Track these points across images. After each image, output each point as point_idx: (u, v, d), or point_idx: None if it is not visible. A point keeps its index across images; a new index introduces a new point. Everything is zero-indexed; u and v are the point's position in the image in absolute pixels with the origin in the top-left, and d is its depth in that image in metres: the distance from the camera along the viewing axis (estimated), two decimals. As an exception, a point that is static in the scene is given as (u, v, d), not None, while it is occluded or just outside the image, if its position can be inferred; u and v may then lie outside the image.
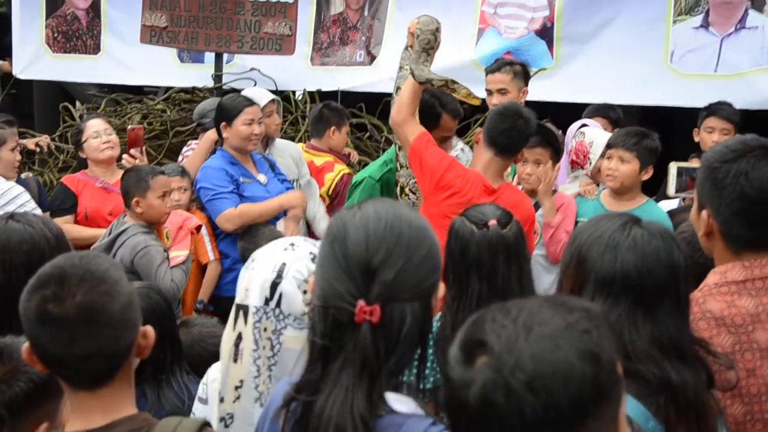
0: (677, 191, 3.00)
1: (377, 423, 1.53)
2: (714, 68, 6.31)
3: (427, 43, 3.82)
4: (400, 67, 4.05)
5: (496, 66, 4.83)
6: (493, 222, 2.67)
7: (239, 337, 1.97)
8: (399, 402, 1.56)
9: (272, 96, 5.27)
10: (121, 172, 4.76)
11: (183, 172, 4.96)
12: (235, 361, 1.97)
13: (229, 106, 4.86)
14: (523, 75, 4.86)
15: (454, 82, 3.73)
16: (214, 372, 2.25)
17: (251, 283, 1.99)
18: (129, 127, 4.92)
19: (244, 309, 1.98)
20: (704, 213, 2.10)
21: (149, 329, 1.74)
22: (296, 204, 4.83)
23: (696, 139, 5.16)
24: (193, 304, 4.75)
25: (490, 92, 4.69)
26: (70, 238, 4.68)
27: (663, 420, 1.74)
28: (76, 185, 4.96)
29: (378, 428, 1.53)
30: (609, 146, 4.29)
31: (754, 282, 2.06)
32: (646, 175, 4.16)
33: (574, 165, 4.83)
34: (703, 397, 1.82)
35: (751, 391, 2.01)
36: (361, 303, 1.53)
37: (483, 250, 2.64)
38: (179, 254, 4.28)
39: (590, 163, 4.72)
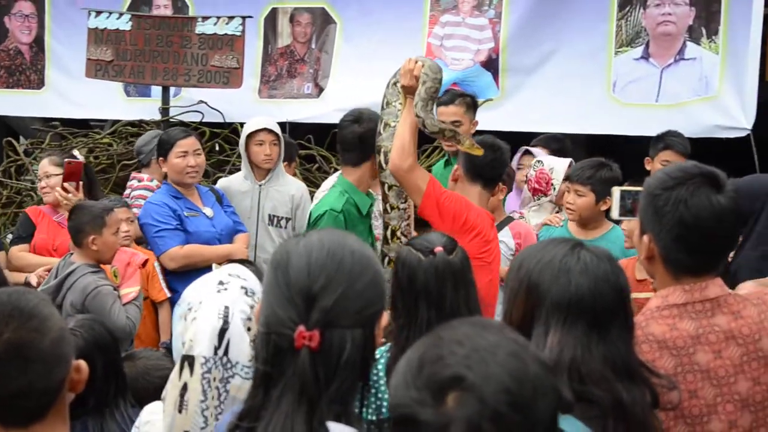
0: (621, 215, 3.07)
1: None
2: (655, 98, 6.47)
3: (435, 91, 3.72)
4: (388, 103, 3.92)
5: (449, 98, 4.90)
6: (439, 249, 2.69)
7: (185, 388, 1.96)
8: (343, 428, 1.56)
9: (264, 123, 5.13)
10: None
11: (126, 204, 4.92)
12: (180, 411, 1.95)
13: (164, 139, 4.85)
14: (473, 106, 4.96)
15: (458, 133, 3.69)
16: (146, 415, 2.22)
17: (197, 333, 1.98)
18: (66, 159, 4.84)
19: (189, 360, 1.96)
20: (645, 238, 2.15)
21: (82, 363, 1.71)
22: (243, 255, 4.75)
23: (648, 167, 5.28)
24: (148, 341, 4.69)
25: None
26: (22, 264, 4.69)
27: None
28: (37, 216, 4.94)
29: None
30: (567, 179, 4.38)
31: (694, 305, 2.10)
32: (605, 206, 4.24)
33: (537, 192, 4.91)
34: (648, 416, 1.85)
35: (693, 412, 2.05)
36: (300, 328, 1.55)
37: (430, 277, 2.65)
38: (130, 291, 4.23)
39: (554, 189, 4.81)
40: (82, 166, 4.86)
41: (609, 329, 1.86)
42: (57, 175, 4.89)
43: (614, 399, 1.78)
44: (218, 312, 1.98)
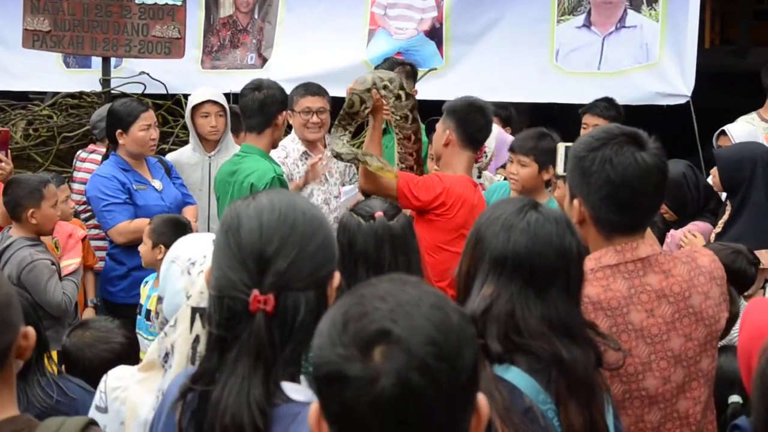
0: (565, 169, 3.14)
1: (273, 412, 1.54)
2: (597, 66, 6.53)
3: (350, 106, 3.73)
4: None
5: (388, 66, 4.93)
6: (379, 213, 2.71)
7: (196, 340, 1.94)
8: (296, 391, 1.57)
9: (209, 95, 5.13)
10: None
11: (60, 180, 4.85)
12: (193, 363, 1.93)
13: (123, 112, 4.77)
14: (413, 75, 4.99)
15: (365, 154, 3.67)
16: (113, 380, 2.21)
17: (205, 285, 1.97)
18: None
19: (201, 311, 1.93)
20: (576, 201, 2.19)
21: (30, 330, 1.70)
22: (193, 228, 4.73)
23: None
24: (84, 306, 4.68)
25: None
26: None
27: (553, 394, 1.80)
28: None
29: (274, 417, 1.54)
30: (511, 150, 4.41)
31: (626, 265, 2.15)
32: (547, 175, 4.29)
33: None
34: (591, 375, 1.89)
35: (628, 371, 2.10)
36: (255, 292, 1.55)
37: (369, 240, 2.67)
38: (71, 262, 4.19)
39: (485, 156, 4.85)
40: (9, 135, 4.76)
41: (548, 289, 1.89)
42: None
43: (554, 354, 1.82)
44: None
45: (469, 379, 1.20)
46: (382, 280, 1.27)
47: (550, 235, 1.90)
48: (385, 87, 3.72)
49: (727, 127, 5.48)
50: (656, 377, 2.12)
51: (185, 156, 5.20)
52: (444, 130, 3.91)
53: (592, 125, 5.27)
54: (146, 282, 4.22)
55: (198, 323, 1.95)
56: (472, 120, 3.92)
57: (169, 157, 5.29)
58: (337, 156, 3.76)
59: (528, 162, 4.27)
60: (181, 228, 4.06)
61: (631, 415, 2.11)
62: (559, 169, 3.31)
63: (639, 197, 2.13)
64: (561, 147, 3.27)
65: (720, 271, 2.24)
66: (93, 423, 1.75)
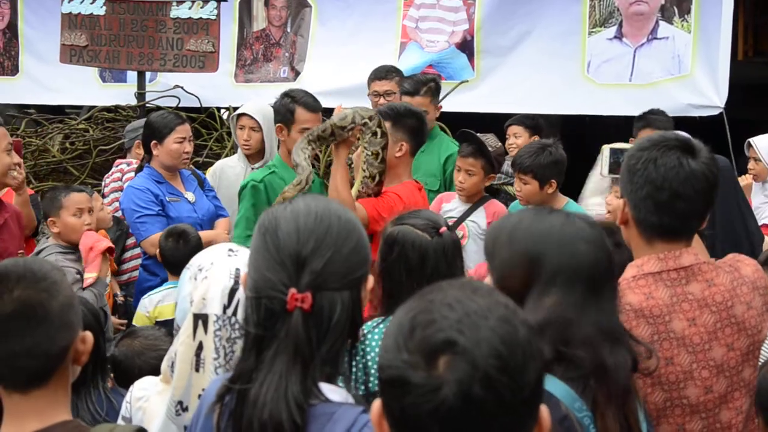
0: (610, 171, 3.14)
1: (311, 410, 1.57)
2: (629, 78, 6.51)
3: (323, 131, 3.86)
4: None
5: (414, 88, 5.02)
6: (444, 228, 2.73)
7: (200, 347, 1.99)
8: (332, 392, 1.61)
9: (244, 109, 5.16)
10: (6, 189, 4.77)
11: (91, 192, 4.93)
12: (198, 370, 1.99)
13: (160, 123, 4.82)
14: (437, 91, 5.08)
15: (309, 177, 3.76)
16: (138, 391, 2.25)
17: (209, 291, 2.02)
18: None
19: (203, 318, 2.00)
20: (622, 202, 2.21)
21: (88, 335, 1.74)
22: (225, 240, 4.77)
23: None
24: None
25: (377, 94, 5.15)
26: None
27: (590, 401, 1.80)
28: None
29: (311, 416, 1.57)
30: (512, 167, 4.45)
31: (669, 273, 2.15)
32: (550, 189, 4.28)
33: None
34: (630, 381, 1.90)
35: (669, 379, 2.10)
36: (293, 290, 1.60)
37: (440, 256, 2.67)
38: (88, 276, 4.23)
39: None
40: (21, 145, 4.82)
41: (602, 294, 1.90)
42: None
43: (597, 361, 1.82)
44: (229, 272, 2.03)
45: (531, 393, 1.20)
46: (452, 285, 1.27)
47: (601, 239, 1.92)
48: (364, 124, 3.83)
49: (752, 139, 5.49)
50: (698, 386, 2.12)
51: (229, 165, 5.26)
52: (396, 142, 3.98)
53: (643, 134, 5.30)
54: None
55: (201, 330, 2.01)
56: (421, 130, 4.10)
57: (215, 166, 5.35)
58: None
59: (527, 179, 4.28)
60: (179, 237, 4.22)
61: (673, 423, 2.11)
62: (604, 170, 3.32)
63: (678, 201, 2.12)
64: (606, 149, 3.28)
65: (763, 281, 2.23)
66: (142, 430, 1.78)
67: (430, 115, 4.91)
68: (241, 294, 1.99)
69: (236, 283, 2.02)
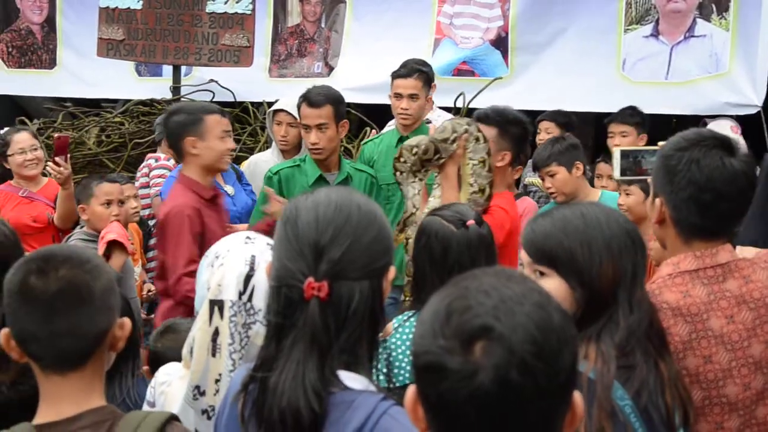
0: (622, 174, 3.11)
1: (330, 399, 1.59)
2: (665, 76, 6.47)
3: (425, 152, 3.55)
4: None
5: (408, 71, 4.92)
6: (471, 222, 2.73)
7: (216, 332, 2.02)
8: (352, 380, 1.61)
9: (283, 105, 5.09)
10: (46, 180, 4.95)
11: (131, 180, 4.99)
12: (214, 355, 2.02)
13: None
14: (429, 82, 4.98)
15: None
16: (161, 376, 2.27)
17: (224, 278, 2.04)
18: (55, 135, 4.88)
19: (219, 304, 2.03)
20: (657, 201, 2.18)
21: (126, 321, 1.76)
22: None
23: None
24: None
25: (399, 96, 4.84)
26: None
27: (633, 391, 1.80)
28: None
29: (331, 403, 1.58)
30: (535, 169, 4.42)
31: (705, 271, 2.13)
32: (578, 171, 4.28)
33: None
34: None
35: (708, 377, 2.08)
36: (310, 279, 1.60)
37: (464, 249, 2.68)
38: None
39: None
40: (68, 141, 4.90)
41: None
42: (35, 148, 5.01)
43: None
44: (245, 259, 2.05)
45: (566, 379, 1.21)
46: (487, 272, 1.28)
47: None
48: (465, 131, 3.56)
49: None
50: (737, 384, 2.10)
51: (262, 159, 5.26)
52: (499, 151, 3.71)
53: (618, 133, 5.31)
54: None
55: (217, 315, 2.03)
56: (525, 140, 3.88)
57: (249, 160, 5.36)
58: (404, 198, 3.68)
59: (554, 169, 4.26)
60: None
61: (711, 422, 2.09)
62: (616, 173, 3.29)
63: (722, 201, 2.11)
64: (617, 151, 3.25)
65: None
66: (174, 418, 1.79)
67: (420, 103, 4.82)
68: (256, 280, 2.01)
69: (252, 269, 2.04)
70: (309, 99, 4.36)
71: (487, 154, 3.59)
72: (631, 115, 5.44)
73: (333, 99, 4.41)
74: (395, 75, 4.94)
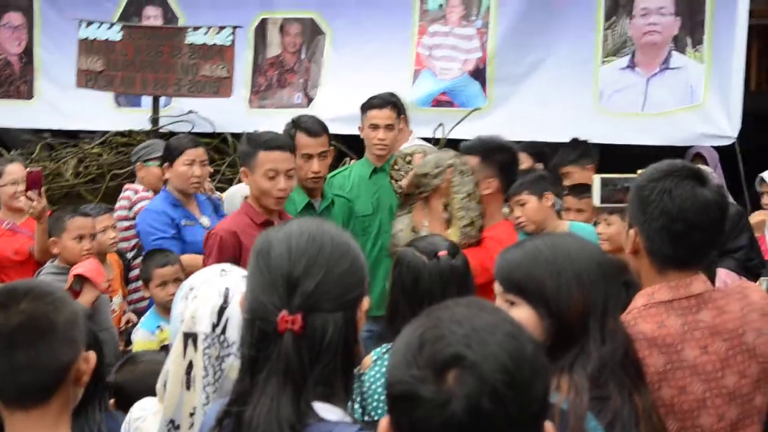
0: (603, 201, 3.13)
1: (306, 430, 1.57)
2: (641, 107, 6.52)
3: (408, 187, 3.65)
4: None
5: (381, 102, 4.95)
6: (443, 252, 2.73)
7: (190, 365, 2.00)
8: (327, 411, 1.60)
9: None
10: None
11: (110, 210, 4.95)
12: (188, 388, 2.00)
13: (172, 145, 4.85)
14: (400, 114, 5.01)
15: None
16: (136, 411, 2.25)
17: (198, 310, 2.03)
18: (27, 169, 4.84)
19: (193, 337, 2.01)
20: (632, 231, 2.20)
21: (92, 355, 1.74)
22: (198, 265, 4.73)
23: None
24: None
25: (376, 126, 4.86)
26: None
27: (606, 422, 1.80)
28: None
29: None
30: (506, 199, 4.41)
31: (680, 301, 2.14)
32: (548, 202, 4.29)
33: None
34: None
35: (683, 408, 2.09)
36: (283, 312, 1.59)
37: (435, 279, 2.69)
38: None
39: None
40: (42, 175, 4.87)
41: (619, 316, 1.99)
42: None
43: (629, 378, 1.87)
44: (219, 291, 2.04)
45: (538, 409, 1.21)
46: (459, 303, 1.29)
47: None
48: (450, 165, 3.59)
49: (765, 174, 5.50)
50: (711, 414, 2.10)
51: (242, 190, 5.24)
52: (484, 179, 3.73)
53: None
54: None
55: (191, 348, 2.01)
56: (513, 166, 3.83)
57: (228, 191, 5.34)
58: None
59: (525, 198, 4.25)
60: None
61: (686, 453, 2.10)
62: (595, 200, 3.31)
63: (694, 231, 2.12)
64: (597, 179, 3.27)
65: None
66: None
67: (394, 133, 4.86)
68: (230, 312, 2.00)
69: (225, 301, 2.02)
70: (308, 129, 4.35)
71: (475, 185, 3.60)
72: (570, 155, 5.44)
73: (326, 126, 4.48)
74: (369, 106, 4.97)
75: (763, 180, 5.55)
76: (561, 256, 1.93)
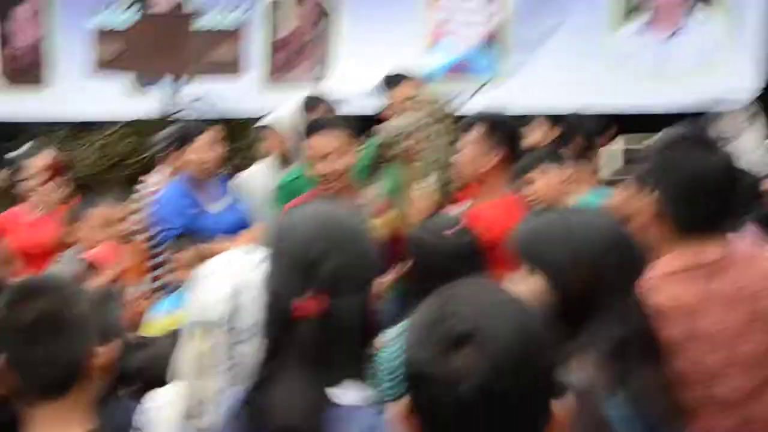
0: (612, 174, 3.12)
1: (326, 414, 1.59)
2: (660, 70, 6.43)
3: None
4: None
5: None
6: (450, 231, 2.72)
7: (202, 354, 2.02)
8: (347, 395, 1.62)
9: (265, 121, 5.14)
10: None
11: (116, 200, 4.94)
12: (201, 377, 2.01)
13: (182, 133, 4.82)
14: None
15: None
16: (149, 401, 2.26)
17: (209, 299, 2.03)
18: (47, 161, 4.87)
19: (204, 325, 2.02)
20: (645, 200, 2.17)
21: (110, 346, 1.76)
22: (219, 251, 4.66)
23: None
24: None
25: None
26: None
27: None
28: (5, 223, 4.96)
29: (326, 420, 1.58)
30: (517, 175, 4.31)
31: (697, 270, 2.12)
32: (561, 177, 4.17)
33: None
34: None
35: (699, 378, 2.07)
36: (303, 296, 1.61)
37: (445, 259, 2.69)
38: None
39: None
40: (64, 164, 4.88)
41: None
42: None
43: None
44: (229, 280, 2.04)
45: (547, 384, 1.24)
46: (468, 282, 1.32)
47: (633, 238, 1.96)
48: (409, 132, 3.56)
49: None
50: (729, 383, 2.09)
51: (257, 172, 5.26)
52: (489, 149, 3.58)
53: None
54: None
55: (203, 337, 2.02)
56: (518, 135, 3.71)
57: (243, 173, 5.33)
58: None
59: (537, 176, 4.03)
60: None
61: (704, 421, 2.07)
62: (604, 173, 3.29)
63: (708, 198, 2.12)
64: (604, 152, 3.24)
65: None
66: None
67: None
68: (240, 300, 2.01)
69: (235, 290, 2.02)
70: (318, 126, 4.02)
71: (446, 148, 3.57)
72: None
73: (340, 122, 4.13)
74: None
75: None
76: (574, 230, 1.92)
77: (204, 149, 4.71)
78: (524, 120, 5.66)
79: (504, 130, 3.66)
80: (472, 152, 3.57)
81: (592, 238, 1.90)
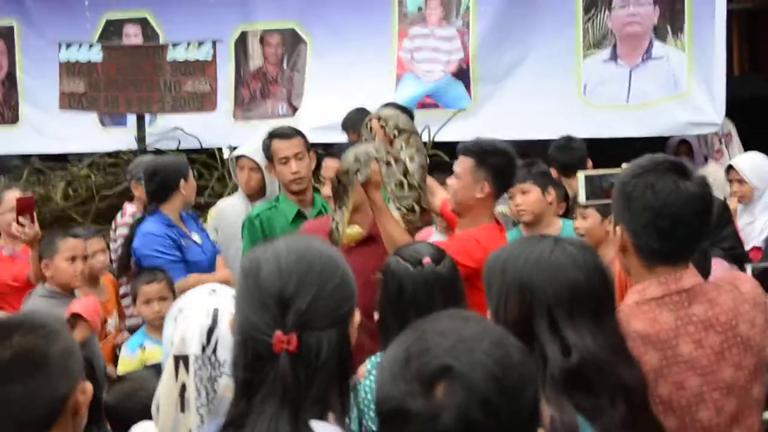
0: (587, 198, 3.12)
1: None
2: (626, 99, 6.53)
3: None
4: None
5: (292, 131, 4.69)
6: (427, 260, 2.72)
7: (183, 387, 2.00)
8: (325, 429, 1.59)
9: (242, 151, 5.15)
10: None
11: (100, 233, 4.94)
12: (183, 411, 2.00)
13: (178, 167, 4.75)
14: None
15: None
16: None
17: (187, 332, 2.03)
18: (18, 196, 4.82)
19: (183, 359, 2.01)
20: (618, 229, 2.19)
21: (89, 385, 1.73)
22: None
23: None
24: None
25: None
26: None
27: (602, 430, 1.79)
28: None
29: None
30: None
31: (671, 297, 2.13)
32: (550, 197, 4.31)
33: None
34: (646, 397, 1.91)
35: (681, 403, 2.08)
36: (278, 333, 1.58)
37: (419, 287, 2.67)
38: None
39: None
40: (33, 201, 4.84)
41: (606, 314, 1.91)
42: None
43: (617, 381, 1.83)
44: (207, 312, 2.03)
45: (530, 416, 1.21)
46: (443, 315, 1.29)
47: (595, 263, 1.93)
48: (373, 158, 3.49)
49: (734, 161, 5.60)
50: (710, 408, 2.10)
51: (229, 204, 5.27)
52: (477, 182, 3.54)
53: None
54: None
55: (183, 370, 2.00)
56: (509, 171, 3.63)
57: (216, 205, 5.38)
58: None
59: (529, 187, 4.29)
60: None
61: (686, 448, 2.10)
62: (581, 198, 3.30)
63: (680, 225, 2.12)
64: (581, 175, 3.25)
65: (762, 297, 2.22)
66: None
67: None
68: (219, 332, 1.99)
69: (214, 321, 2.02)
70: (278, 134, 4.49)
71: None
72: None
73: (298, 131, 4.59)
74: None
75: (731, 167, 5.57)
76: (512, 258, 1.92)
77: (193, 185, 4.74)
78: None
79: (493, 163, 3.61)
80: (460, 184, 3.58)
81: (530, 264, 1.89)
